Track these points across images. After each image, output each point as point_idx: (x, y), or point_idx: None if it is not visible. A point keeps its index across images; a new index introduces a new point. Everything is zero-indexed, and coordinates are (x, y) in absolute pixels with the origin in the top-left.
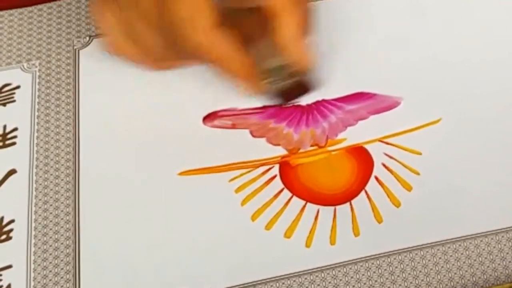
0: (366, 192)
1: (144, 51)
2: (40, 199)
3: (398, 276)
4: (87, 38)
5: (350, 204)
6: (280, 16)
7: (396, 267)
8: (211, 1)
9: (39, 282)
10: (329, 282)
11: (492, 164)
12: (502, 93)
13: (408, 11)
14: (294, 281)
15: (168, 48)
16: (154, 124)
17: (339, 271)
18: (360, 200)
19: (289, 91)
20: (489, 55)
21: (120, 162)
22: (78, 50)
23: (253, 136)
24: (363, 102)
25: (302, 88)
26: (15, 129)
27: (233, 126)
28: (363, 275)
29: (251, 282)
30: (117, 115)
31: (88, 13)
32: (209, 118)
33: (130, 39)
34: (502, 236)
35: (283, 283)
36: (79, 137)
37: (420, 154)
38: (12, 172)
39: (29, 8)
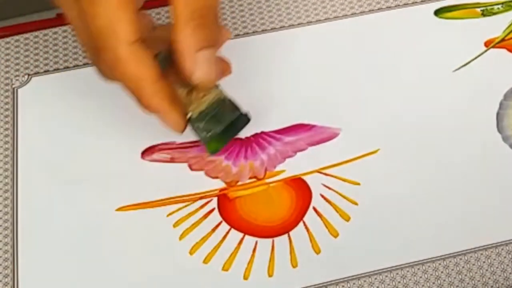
0: (304, 223)
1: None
2: None
3: None
4: (26, 76)
5: (288, 235)
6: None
7: None
8: (133, 13)
9: None
10: None
11: (427, 193)
12: (436, 124)
13: (346, 46)
14: None
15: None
16: (93, 160)
17: None
18: (298, 232)
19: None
20: (422, 89)
21: (58, 199)
22: (17, 89)
23: (192, 169)
24: (301, 133)
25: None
26: None
27: (172, 160)
28: None
29: None
30: (56, 152)
31: (26, 52)
32: (147, 152)
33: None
34: (439, 264)
35: None
36: (17, 174)
37: (359, 184)
38: None
39: None
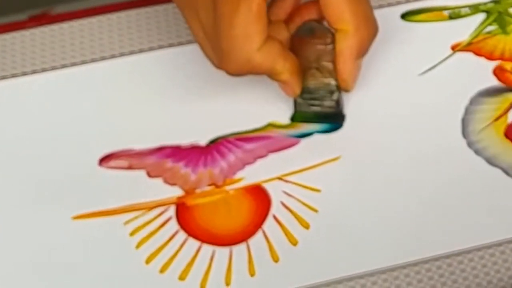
0: (263, 231)
1: None
2: None
3: None
4: None
5: (247, 243)
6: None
7: None
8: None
9: None
10: None
11: (388, 200)
12: (399, 129)
13: None
14: None
15: None
16: (49, 166)
17: None
18: (257, 240)
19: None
20: (386, 93)
21: (13, 206)
22: None
23: (150, 176)
24: (262, 140)
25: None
26: None
27: (130, 167)
28: None
29: None
30: (11, 159)
31: None
32: (105, 159)
33: None
34: (400, 272)
35: None
36: None
37: (319, 191)
38: None
39: None
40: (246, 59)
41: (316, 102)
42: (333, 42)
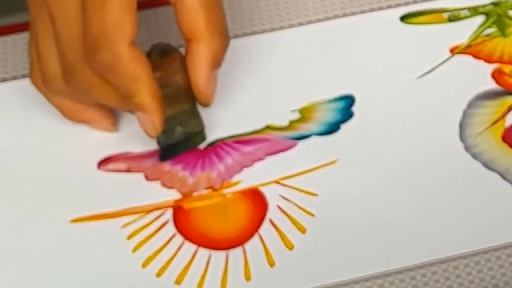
0: (260, 235)
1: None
2: None
3: None
4: None
5: (243, 248)
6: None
7: None
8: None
9: None
10: None
11: (385, 204)
12: (396, 133)
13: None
14: None
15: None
16: (47, 169)
17: None
18: (253, 244)
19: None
20: (384, 96)
21: (11, 209)
22: None
23: (148, 179)
24: (260, 143)
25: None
26: None
27: (128, 170)
28: None
29: None
30: (7, 161)
31: None
32: (104, 162)
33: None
34: (395, 277)
35: None
36: None
37: (316, 195)
38: None
39: None
40: (115, 51)
41: (179, 129)
42: (183, 60)
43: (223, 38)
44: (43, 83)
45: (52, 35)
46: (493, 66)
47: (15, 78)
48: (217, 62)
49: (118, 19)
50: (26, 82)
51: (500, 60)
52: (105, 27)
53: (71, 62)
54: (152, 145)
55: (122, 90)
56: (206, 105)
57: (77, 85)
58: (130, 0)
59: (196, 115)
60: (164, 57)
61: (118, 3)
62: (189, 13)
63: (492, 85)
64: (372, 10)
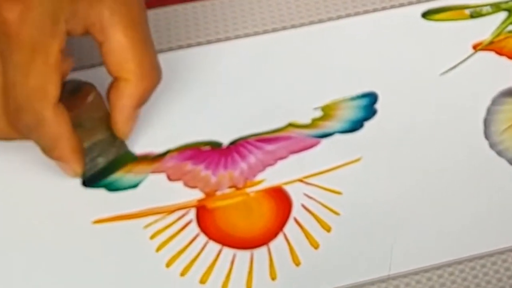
0: (284, 234)
1: None
2: None
3: None
4: None
5: (268, 247)
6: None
7: None
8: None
9: None
10: None
11: (411, 202)
12: (421, 130)
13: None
14: None
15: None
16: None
17: None
18: (277, 243)
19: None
20: (407, 93)
21: (34, 211)
22: None
23: (170, 179)
24: (283, 141)
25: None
26: None
27: (151, 171)
28: None
29: None
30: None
31: None
32: None
33: None
34: (422, 276)
35: None
36: None
37: (340, 193)
38: None
39: None
40: (40, 115)
41: (100, 160)
42: (96, 94)
43: (153, 78)
44: None
45: None
46: None
47: None
48: (142, 101)
49: (42, 83)
50: None
51: None
52: (29, 91)
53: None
54: (173, 144)
55: (43, 146)
56: (123, 139)
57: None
58: (53, 62)
59: (115, 142)
60: (76, 94)
61: (42, 66)
62: (118, 54)
63: None
64: (393, 6)
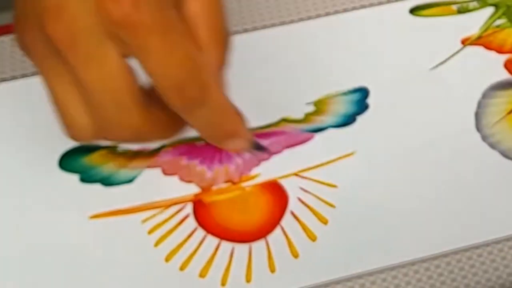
0: (281, 227)
1: None
2: None
3: None
4: None
5: (266, 240)
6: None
7: None
8: None
9: None
10: None
11: (405, 194)
12: (413, 124)
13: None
14: None
15: None
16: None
17: None
18: (275, 236)
19: None
20: (399, 87)
21: (29, 206)
22: None
23: (165, 174)
24: (276, 136)
25: None
26: None
27: (146, 165)
28: None
29: None
30: (26, 159)
31: None
32: None
33: None
34: (420, 266)
35: None
36: None
37: (336, 187)
38: None
39: None
40: (205, 84)
41: None
42: None
43: (227, 46)
44: (66, 133)
45: (70, 85)
46: (505, 57)
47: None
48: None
49: (191, 55)
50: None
51: (511, 51)
52: (189, 66)
53: (111, 116)
54: (168, 140)
55: (213, 122)
56: None
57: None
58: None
59: None
60: None
61: (184, 40)
62: (192, 20)
63: (505, 75)
64: (380, 3)
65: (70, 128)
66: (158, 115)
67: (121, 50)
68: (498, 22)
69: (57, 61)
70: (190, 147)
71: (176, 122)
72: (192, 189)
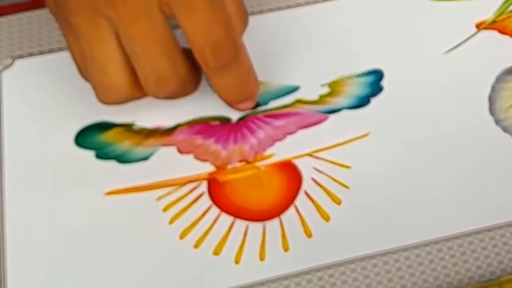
0: (295, 206)
1: None
2: None
3: None
4: (10, 60)
5: (280, 219)
6: None
7: (327, 281)
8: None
9: None
10: None
11: (419, 176)
12: (427, 107)
13: (334, 28)
14: None
15: None
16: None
17: (269, 286)
18: (289, 215)
19: None
20: (412, 70)
21: (45, 184)
22: (0, 73)
23: (180, 152)
24: (291, 117)
25: None
26: None
27: (161, 144)
28: None
29: None
30: (44, 137)
31: (9, 33)
32: None
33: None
34: (432, 247)
35: None
36: (2, 161)
37: (349, 168)
38: None
39: None
40: (237, 46)
41: None
42: None
43: (247, 16)
44: (98, 95)
45: (112, 44)
46: None
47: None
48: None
49: (229, 19)
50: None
51: None
52: (226, 28)
53: (162, 70)
54: (183, 119)
55: (239, 81)
56: None
57: (169, 91)
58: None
59: None
60: None
61: (221, 5)
62: None
63: None
64: None
65: (106, 90)
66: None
67: (163, 8)
68: None
69: (101, 21)
70: (205, 127)
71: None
72: (207, 168)
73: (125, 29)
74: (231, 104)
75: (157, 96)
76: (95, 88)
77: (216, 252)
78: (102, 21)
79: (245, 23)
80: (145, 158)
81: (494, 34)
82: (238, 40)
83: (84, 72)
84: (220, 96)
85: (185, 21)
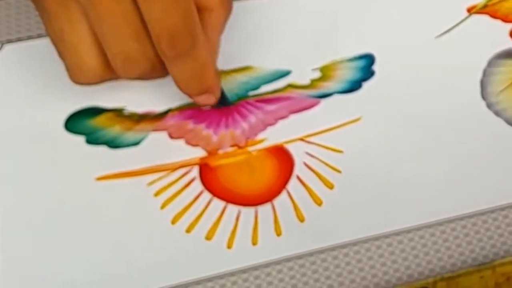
0: (287, 191)
1: None
2: None
3: (321, 274)
4: None
5: (272, 204)
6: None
7: (319, 266)
8: None
9: None
10: (252, 283)
11: (410, 160)
12: (418, 91)
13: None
14: (216, 282)
15: None
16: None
17: (262, 271)
18: (281, 200)
19: None
20: (404, 55)
21: (35, 167)
22: None
23: (171, 137)
24: (282, 101)
25: None
26: None
27: (152, 129)
28: (286, 274)
29: (173, 285)
30: (34, 121)
31: None
32: None
33: None
34: (425, 231)
35: (205, 285)
36: None
37: (341, 152)
38: None
39: None
40: (195, 36)
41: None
42: None
43: (231, 4)
44: (71, 76)
45: (82, 27)
46: (510, 26)
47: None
48: (222, 31)
49: (193, 7)
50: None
51: None
52: (186, 14)
53: (130, 52)
54: (174, 104)
55: (193, 72)
56: None
57: (138, 73)
58: None
59: None
60: None
61: None
62: None
63: (510, 44)
64: None
65: (78, 70)
66: None
67: None
68: None
69: (71, 2)
70: (196, 112)
71: None
72: (199, 153)
73: (93, 10)
74: (189, 96)
75: (126, 77)
76: (68, 69)
77: (208, 237)
78: (72, 3)
79: (226, 16)
80: (136, 143)
81: (485, 18)
82: (196, 31)
83: (59, 54)
84: (176, 85)
85: (145, 7)
